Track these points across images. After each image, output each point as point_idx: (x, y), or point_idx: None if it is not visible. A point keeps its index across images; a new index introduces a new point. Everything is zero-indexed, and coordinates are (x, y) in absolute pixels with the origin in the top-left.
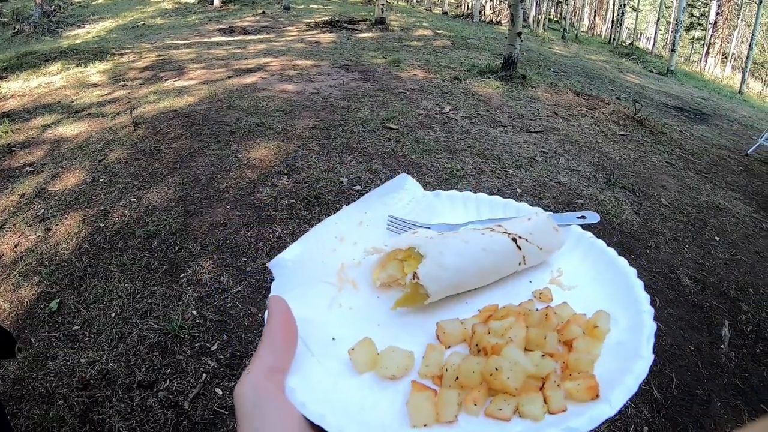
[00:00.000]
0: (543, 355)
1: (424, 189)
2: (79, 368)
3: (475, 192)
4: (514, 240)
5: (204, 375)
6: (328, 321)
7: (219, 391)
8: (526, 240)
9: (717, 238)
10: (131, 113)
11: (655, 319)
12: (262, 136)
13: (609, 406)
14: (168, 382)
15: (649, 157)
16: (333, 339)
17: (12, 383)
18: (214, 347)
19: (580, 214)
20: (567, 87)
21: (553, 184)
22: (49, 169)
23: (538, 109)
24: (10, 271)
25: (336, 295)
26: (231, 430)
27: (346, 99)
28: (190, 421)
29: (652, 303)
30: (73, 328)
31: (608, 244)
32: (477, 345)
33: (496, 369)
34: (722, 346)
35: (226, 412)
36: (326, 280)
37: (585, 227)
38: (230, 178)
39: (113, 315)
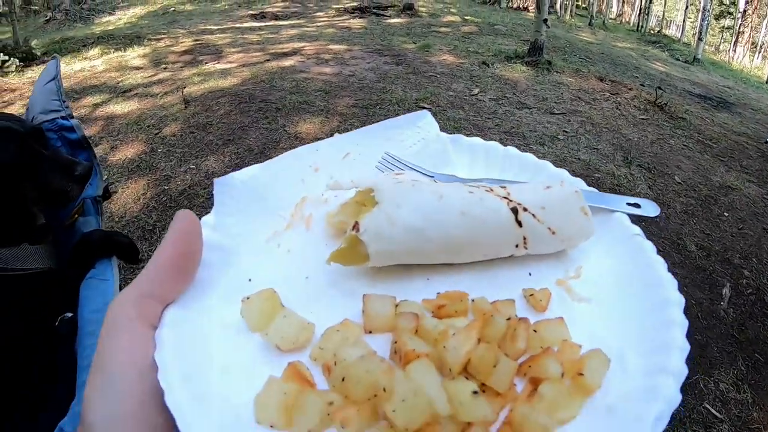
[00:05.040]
0: (477, 391)
1: None
2: None
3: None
4: (515, 211)
5: None
6: (256, 258)
7: None
8: (534, 215)
9: (726, 214)
10: (182, 92)
11: None
12: (307, 113)
13: None
14: None
15: (667, 139)
16: (250, 280)
17: None
18: None
19: (633, 199)
20: (591, 73)
21: (574, 159)
22: (107, 141)
23: (562, 93)
24: None
25: (280, 231)
26: None
27: (380, 81)
28: None
29: None
30: None
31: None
32: (395, 344)
33: (384, 390)
34: (722, 303)
35: None
36: (278, 212)
37: (637, 221)
38: (281, 148)
39: None
